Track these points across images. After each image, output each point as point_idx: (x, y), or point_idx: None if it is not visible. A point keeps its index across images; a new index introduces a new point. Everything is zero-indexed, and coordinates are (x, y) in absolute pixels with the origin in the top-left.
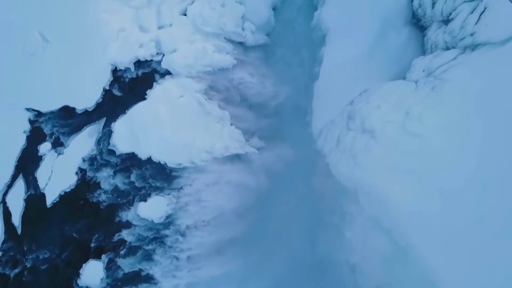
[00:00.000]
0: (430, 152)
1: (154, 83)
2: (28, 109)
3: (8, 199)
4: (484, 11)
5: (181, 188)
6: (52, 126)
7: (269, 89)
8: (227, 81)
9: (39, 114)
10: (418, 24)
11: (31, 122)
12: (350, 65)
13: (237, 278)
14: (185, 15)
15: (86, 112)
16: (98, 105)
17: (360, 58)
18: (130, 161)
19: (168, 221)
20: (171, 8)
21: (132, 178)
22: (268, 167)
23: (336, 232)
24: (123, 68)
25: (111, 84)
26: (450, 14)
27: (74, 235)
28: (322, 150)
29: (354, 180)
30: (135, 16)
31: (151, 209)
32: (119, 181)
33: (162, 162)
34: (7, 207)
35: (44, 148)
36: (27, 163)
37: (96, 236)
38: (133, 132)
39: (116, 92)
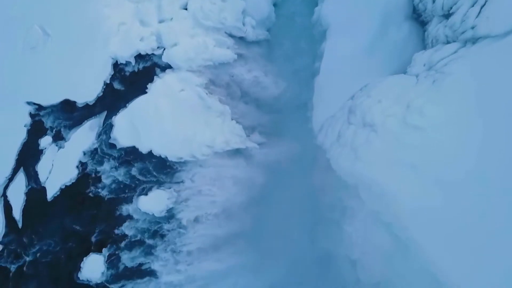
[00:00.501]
0: (431, 145)
1: (155, 77)
2: (28, 103)
3: (9, 192)
4: (485, 4)
5: (182, 182)
6: (53, 120)
7: (270, 85)
8: (227, 75)
9: (39, 107)
10: (418, 19)
11: (31, 115)
12: (350, 60)
13: (238, 273)
14: (186, 9)
15: (86, 105)
16: (99, 99)
17: (361, 53)
18: (131, 155)
19: (169, 215)
20: (171, 2)
21: (133, 171)
22: (269, 162)
23: (337, 227)
24: (124, 62)
25: (112, 78)
26: (451, 8)
27: (75, 228)
28: (323, 145)
29: (354, 174)
30: (136, 10)
31: (152, 203)
32: (120, 175)
33: (163, 156)
34: (8, 201)
35: (45, 141)
36: (28, 157)
37: (97, 229)
38: (134, 126)
39: (117, 86)
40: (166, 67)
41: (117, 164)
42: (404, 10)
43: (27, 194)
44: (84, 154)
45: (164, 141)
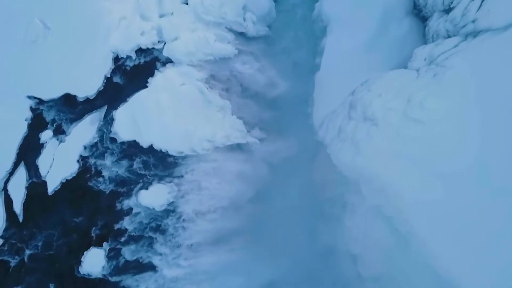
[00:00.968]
0: (432, 138)
1: (156, 71)
2: (29, 97)
3: (10, 186)
4: None
5: (183, 176)
6: (53, 114)
7: (270, 81)
8: (228, 70)
9: (40, 101)
10: (419, 15)
11: (32, 109)
12: (351, 56)
13: (238, 268)
14: (187, 4)
15: (87, 100)
16: (100, 93)
17: (362, 49)
18: (131, 149)
19: (170, 209)
20: None
21: (134, 166)
22: (269, 158)
23: (337, 222)
24: (125, 56)
25: (113, 72)
26: (452, 2)
27: (76, 222)
28: (324, 140)
29: (355, 169)
30: (137, 5)
31: (153, 197)
32: (121, 169)
33: (163, 150)
34: (9, 195)
35: (46, 135)
36: (29, 151)
37: (98, 224)
38: (135, 120)
39: (118, 80)
40: (167, 61)
41: (118, 158)
42: (404, 5)
43: (27, 188)
44: (85, 148)
45: (164, 135)
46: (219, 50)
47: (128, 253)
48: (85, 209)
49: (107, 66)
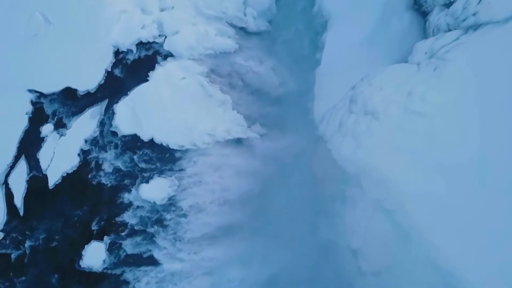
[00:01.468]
0: (433, 131)
1: (156, 65)
2: (30, 91)
3: (10, 180)
4: None
5: (183, 170)
6: (54, 107)
7: (271, 76)
8: (229, 65)
9: (41, 95)
10: (420, 10)
11: (33, 103)
12: (352, 51)
13: (239, 262)
14: None
15: (88, 93)
16: (100, 87)
17: (362, 44)
18: (132, 143)
19: (170, 203)
20: None
21: (135, 159)
22: (270, 153)
23: (338, 218)
24: (125, 50)
25: (113, 65)
26: None
27: (76, 216)
28: (324, 135)
29: (356, 163)
30: None
31: (154, 190)
32: (121, 162)
33: (164, 144)
34: (9, 188)
35: (46, 129)
36: (29, 144)
37: (98, 217)
38: (135, 114)
39: (118, 73)
40: (168, 55)
41: (119, 152)
42: (405, 0)
43: (28, 181)
44: (86, 142)
45: (165, 129)
46: (220, 44)
47: (129, 246)
48: (86, 203)
49: (108, 60)
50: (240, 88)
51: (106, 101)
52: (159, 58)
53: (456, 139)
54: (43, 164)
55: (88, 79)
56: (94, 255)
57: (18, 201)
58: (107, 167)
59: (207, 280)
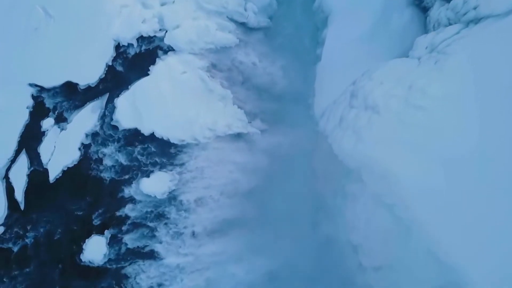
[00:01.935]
0: (433, 124)
1: (157, 59)
2: (31, 85)
3: (11, 174)
4: None
5: (184, 164)
6: (55, 101)
7: (271, 71)
8: (229, 60)
9: (42, 89)
10: (420, 5)
11: (34, 97)
12: (352, 46)
13: (239, 257)
14: None
15: (89, 87)
16: (101, 81)
17: (363, 39)
18: (133, 137)
19: (171, 197)
20: None
21: (135, 153)
22: (271, 149)
23: (339, 213)
24: (126, 44)
25: (114, 60)
26: None
27: (77, 210)
28: (325, 130)
29: (356, 157)
30: None
31: (154, 185)
32: (122, 156)
33: (165, 138)
34: (10, 183)
35: (47, 123)
36: (30, 139)
37: (99, 211)
38: (136, 108)
39: (119, 68)
40: (168, 49)
41: (119, 146)
42: None
43: (29, 175)
44: (86, 136)
45: (166, 123)
46: (220, 39)
47: (129, 241)
48: (87, 197)
49: (109, 54)
50: (241, 83)
51: (107, 95)
52: (159, 52)
53: (456, 132)
54: (44, 158)
55: (89, 73)
56: (95, 249)
57: (19, 195)
58: (108, 161)
59: (207, 274)
